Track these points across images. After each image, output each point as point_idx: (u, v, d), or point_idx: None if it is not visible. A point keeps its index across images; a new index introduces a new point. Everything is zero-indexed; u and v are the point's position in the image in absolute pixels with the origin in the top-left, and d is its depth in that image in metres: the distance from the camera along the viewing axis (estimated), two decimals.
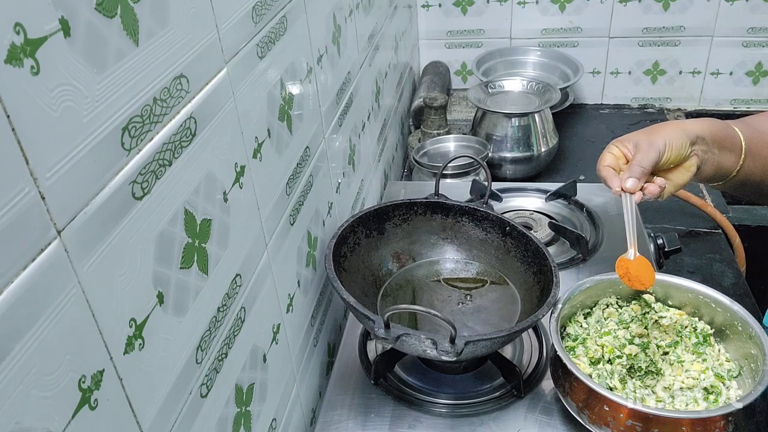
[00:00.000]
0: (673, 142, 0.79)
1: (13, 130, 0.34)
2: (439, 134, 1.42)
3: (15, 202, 0.34)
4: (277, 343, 0.74)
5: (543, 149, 1.39)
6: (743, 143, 0.85)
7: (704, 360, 0.75)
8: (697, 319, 0.79)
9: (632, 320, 0.79)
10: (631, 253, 0.77)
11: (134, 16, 0.44)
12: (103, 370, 0.42)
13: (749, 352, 0.72)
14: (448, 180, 1.26)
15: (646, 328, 0.78)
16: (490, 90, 1.45)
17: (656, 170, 0.81)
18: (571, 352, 0.76)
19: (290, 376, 0.79)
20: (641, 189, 0.79)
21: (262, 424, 0.70)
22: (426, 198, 0.95)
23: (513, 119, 1.37)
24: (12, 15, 0.33)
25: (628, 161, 0.82)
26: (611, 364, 0.75)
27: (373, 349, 0.89)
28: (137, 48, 0.44)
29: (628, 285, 0.77)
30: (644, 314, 0.80)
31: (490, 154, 1.33)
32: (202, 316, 0.55)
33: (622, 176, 0.80)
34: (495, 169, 1.41)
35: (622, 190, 0.79)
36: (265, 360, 0.70)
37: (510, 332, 0.71)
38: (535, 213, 1.13)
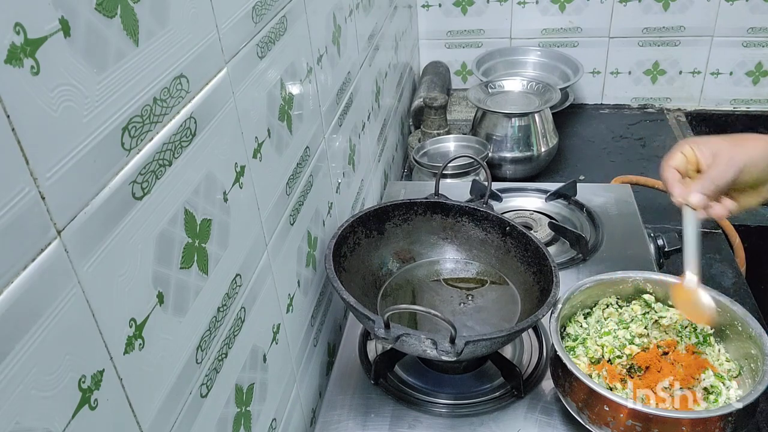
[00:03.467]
0: (756, 164, 0.70)
1: (13, 130, 0.34)
2: (439, 134, 1.42)
3: (15, 202, 0.34)
4: (277, 343, 0.74)
5: (543, 149, 1.39)
6: None
7: (704, 360, 0.75)
8: None
9: (632, 320, 0.79)
10: (693, 279, 0.71)
11: (134, 16, 0.44)
12: (103, 370, 0.42)
13: (749, 352, 0.72)
14: (448, 180, 1.26)
15: (646, 328, 0.78)
16: (490, 90, 1.45)
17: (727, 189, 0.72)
18: (571, 352, 0.76)
19: (290, 376, 0.79)
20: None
21: (262, 424, 0.70)
22: (426, 198, 0.95)
23: (513, 119, 1.37)
24: (12, 15, 0.33)
25: (699, 169, 0.73)
26: (611, 364, 0.75)
27: (373, 349, 0.89)
28: (137, 48, 0.44)
29: (686, 316, 0.72)
30: (644, 314, 0.80)
31: (490, 154, 1.33)
32: (202, 316, 0.55)
33: (690, 187, 0.70)
34: (495, 169, 1.41)
35: (685, 202, 0.70)
36: (265, 360, 0.70)
37: (510, 332, 0.71)
38: (535, 213, 1.13)
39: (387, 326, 0.69)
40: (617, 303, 0.82)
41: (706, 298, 0.72)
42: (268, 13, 0.68)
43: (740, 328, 0.74)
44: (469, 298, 0.91)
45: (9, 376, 0.34)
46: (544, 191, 1.18)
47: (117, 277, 0.43)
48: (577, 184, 1.16)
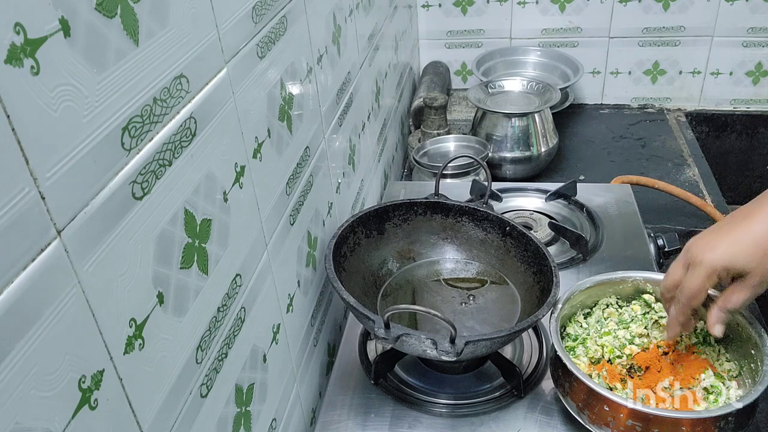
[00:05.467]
0: None
1: (13, 130, 0.34)
2: (439, 134, 1.42)
3: (15, 202, 0.34)
4: (277, 343, 0.74)
5: (543, 149, 1.39)
6: None
7: (704, 360, 0.75)
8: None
9: (632, 320, 0.79)
10: None
11: (134, 16, 0.44)
12: (103, 370, 0.42)
13: (749, 352, 0.72)
14: (448, 180, 1.26)
15: (646, 328, 0.78)
16: (490, 90, 1.45)
17: None
18: (571, 352, 0.76)
19: (290, 376, 0.79)
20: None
21: (262, 424, 0.70)
22: (426, 198, 0.95)
23: (513, 119, 1.37)
24: (12, 15, 0.33)
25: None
26: (611, 364, 0.75)
27: (373, 349, 0.89)
28: (137, 48, 0.44)
29: None
30: (644, 314, 0.80)
31: (490, 154, 1.33)
32: (202, 316, 0.55)
33: (708, 319, 0.68)
34: (495, 169, 1.41)
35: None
36: (265, 360, 0.70)
37: (510, 332, 0.71)
38: (535, 213, 1.13)
39: (387, 326, 0.69)
40: (617, 303, 0.82)
41: None
42: (268, 13, 0.68)
43: (740, 329, 0.74)
44: (469, 298, 0.91)
45: (9, 376, 0.34)
46: (544, 191, 1.18)
47: (117, 277, 0.43)
48: (577, 184, 1.16)
